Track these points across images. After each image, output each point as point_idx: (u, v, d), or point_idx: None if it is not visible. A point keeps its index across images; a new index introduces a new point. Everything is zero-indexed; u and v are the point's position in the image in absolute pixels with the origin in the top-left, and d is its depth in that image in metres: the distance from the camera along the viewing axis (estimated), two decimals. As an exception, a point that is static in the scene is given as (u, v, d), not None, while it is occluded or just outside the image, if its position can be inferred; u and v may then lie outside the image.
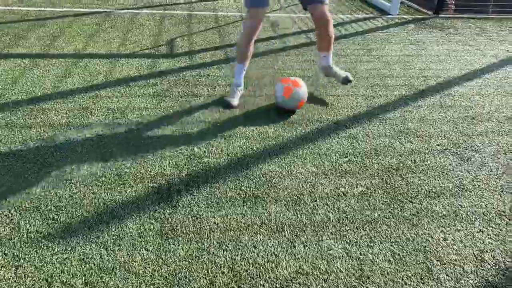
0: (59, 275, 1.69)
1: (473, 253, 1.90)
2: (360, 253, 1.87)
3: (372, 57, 4.18)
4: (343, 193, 2.25)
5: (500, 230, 2.04)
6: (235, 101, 3.08)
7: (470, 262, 1.85)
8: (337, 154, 2.58)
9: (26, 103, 2.98)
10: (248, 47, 3.03)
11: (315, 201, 2.17)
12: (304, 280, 1.72)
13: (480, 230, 2.03)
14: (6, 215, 1.98)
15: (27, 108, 2.92)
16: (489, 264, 1.84)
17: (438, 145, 2.72)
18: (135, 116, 2.88)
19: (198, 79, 3.49)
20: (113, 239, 1.87)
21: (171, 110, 2.98)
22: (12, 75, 3.42)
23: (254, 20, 2.92)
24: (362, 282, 1.72)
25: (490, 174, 2.45)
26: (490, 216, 2.12)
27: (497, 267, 1.83)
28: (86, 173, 2.29)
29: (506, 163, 2.56)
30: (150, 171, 2.33)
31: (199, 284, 1.68)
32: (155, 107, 3.01)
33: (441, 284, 1.73)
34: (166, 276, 1.70)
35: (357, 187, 2.30)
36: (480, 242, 1.96)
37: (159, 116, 2.89)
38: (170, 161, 2.43)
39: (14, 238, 1.85)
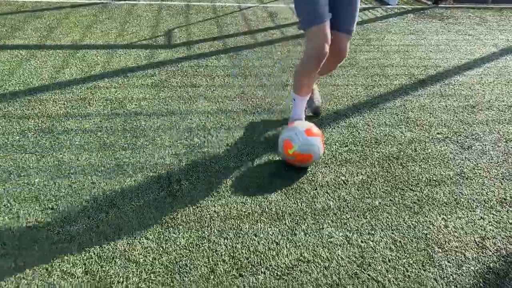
0: (59, 264, 1.68)
1: (474, 240, 1.89)
2: (361, 241, 1.86)
3: (372, 47, 4.15)
4: (343, 182, 2.24)
5: (501, 217, 2.03)
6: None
7: (472, 248, 1.85)
8: (337, 143, 2.57)
9: (23, 94, 2.96)
10: (313, 75, 2.43)
11: (316, 189, 2.16)
12: (305, 267, 1.72)
13: (481, 217, 2.03)
14: (5, 205, 1.96)
15: (24, 99, 2.90)
16: (490, 250, 1.84)
17: (438, 133, 2.71)
18: (134, 106, 2.86)
19: (197, 70, 3.46)
20: (112, 228, 1.86)
21: (169, 101, 2.96)
22: (9, 66, 3.39)
23: (318, 39, 2.25)
24: (363, 269, 1.72)
25: (491, 162, 2.44)
26: (491, 204, 2.11)
27: (498, 253, 1.83)
28: (85, 163, 2.27)
29: (507, 151, 2.55)
30: (150, 161, 2.32)
31: (200, 272, 1.67)
32: (153, 97, 2.99)
33: (442, 271, 1.73)
34: (166, 265, 1.70)
35: (357, 175, 2.29)
36: (481, 229, 1.96)
37: (158, 107, 2.87)
38: (170, 151, 2.41)
39: (12, 228, 1.84)
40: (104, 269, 1.67)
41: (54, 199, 2.01)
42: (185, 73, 3.38)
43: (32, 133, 2.52)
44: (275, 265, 1.72)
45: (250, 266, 1.71)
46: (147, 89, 3.09)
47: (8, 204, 1.97)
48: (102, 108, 2.82)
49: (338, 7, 2.30)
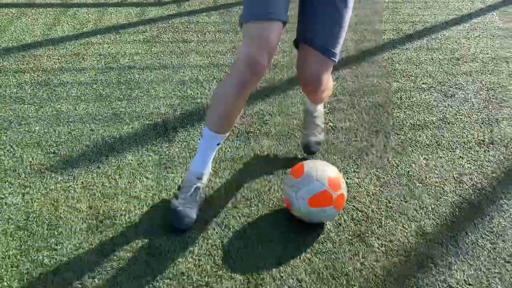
0: (64, 200, 1.79)
1: (453, 176, 2.03)
2: (347, 178, 1.99)
3: (359, 5, 4.19)
4: (331, 127, 2.35)
5: (479, 156, 2.17)
6: (191, 214, 1.69)
7: (450, 183, 1.98)
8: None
9: (17, 50, 2.98)
10: (237, 101, 1.60)
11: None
12: (295, 201, 1.85)
13: (460, 156, 2.16)
14: (8, 150, 2.05)
15: (18, 54, 2.93)
16: (466, 185, 1.98)
17: (423, 83, 2.82)
18: (127, 61, 2.91)
19: (188, 26, 3.49)
20: (113, 169, 1.96)
21: (162, 55, 3.01)
22: None
23: (254, 44, 1.52)
24: (348, 201, 1.85)
25: (472, 109, 2.56)
26: (470, 145, 2.25)
27: (474, 187, 1.97)
28: (83, 113, 2.35)
29: (488, 98, 2.67)
30: (145, 111, 2.40)
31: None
32: (146, 52, 3.04)
33: (422, 202, 1.87)
34: (166, 200, 1.81)
35: (345, 122, 2.40)
36: (460, 166, 2.09)
37: (151, 61, 2.92)
38: (164, 102, 2.49)
39: (18, 169, 1.93)
40: (107, 204, 1.78)
41: (55, 145, 2.10)
42: (176, 29, 3.41)
43: (29, 85, 2.58)
44: (267, 199, 1.85)
45: (244, 200, 1.84)
46: (139, 45, 3.13)
47: (11, 149, 2.06)
48: (96, 63, 2.87)
49: (313, 12, 1.65)
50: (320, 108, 2.12)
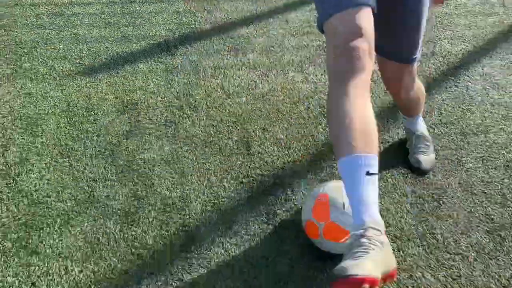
0: (95, 94, 2.28)
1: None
2: (316, 79, 2.52)
3: None
4: (305, 45, 2.85)
5: (423, 63, 2.72)
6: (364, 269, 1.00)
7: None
8: (301, 21, 3.15)
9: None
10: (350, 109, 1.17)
11: (283, 50, 2.78)
12: (276, 93, 2.38)
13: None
14: (41, 61, 2.51)
15: (30, -9, 3.33)
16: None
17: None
18: (128, -4, 3.34)
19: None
20: (129, 73, 2.46)
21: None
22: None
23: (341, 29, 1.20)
24: (316, 93, 2.39)
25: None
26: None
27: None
28: (97, 35, 2.81)
29: (435, 24, 3.21)
30: (149, 33, 2.86)
31: (199, 96, 2.31)
32: (144, -10, 3.46)
33: (373, 93, 2.42)
34: (174, 94, 2.32)
35: (316, 41, 2.91)
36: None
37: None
38: (164, 27, 2.95)
39: (53, 74, 2.41)
40: (129, 96, 2.29)
41: (79, 58, 2.57)
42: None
43: (45, 16, 3.00)
44: (254, 93, 2.38)
45: (235, 94, 2.36)
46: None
47: (44, 61, 2.52)
48: (101, -2, 3.29)
49: (396, 21, 1.46)
50: (420, 123, 1.96)
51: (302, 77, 2.53)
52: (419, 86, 1.78)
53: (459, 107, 2.25)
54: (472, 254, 1.58)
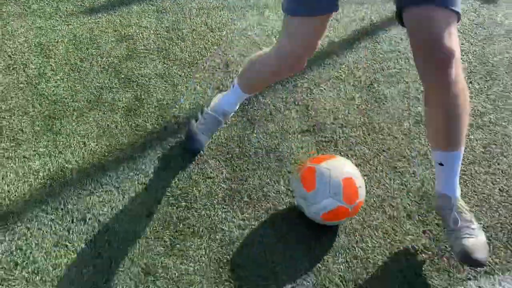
0: (96, 28, 2.66)
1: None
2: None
3: None
4: None
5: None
6: (204, 141, 1.92)
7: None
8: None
9: None
10: (268, 80, 1.87)
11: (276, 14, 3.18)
12: (252, 29, 2.78)
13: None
14: (46, 3, 2.86)
15: None
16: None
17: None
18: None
19: None
20: (125, 13, 2.82)
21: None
22: None
23: (294, 40, 1.48)
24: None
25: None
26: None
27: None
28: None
29: None
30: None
31: (186, 30, 2.70)
32: None
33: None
34: (164, 28, 2.71)
35: None
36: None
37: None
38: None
39: (58, 13, 2.77)
40: (125, 29, 2.67)
41: (80, 0, 2.93)
42: None
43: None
44: (232, 28, 2.78)
45: (217, 28, 2.76)
46: None
47: (49, 3, 2.87)
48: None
49: None
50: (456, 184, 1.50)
51: (276, 16, 2.93)
52: (464, 85, 1.35)
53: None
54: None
